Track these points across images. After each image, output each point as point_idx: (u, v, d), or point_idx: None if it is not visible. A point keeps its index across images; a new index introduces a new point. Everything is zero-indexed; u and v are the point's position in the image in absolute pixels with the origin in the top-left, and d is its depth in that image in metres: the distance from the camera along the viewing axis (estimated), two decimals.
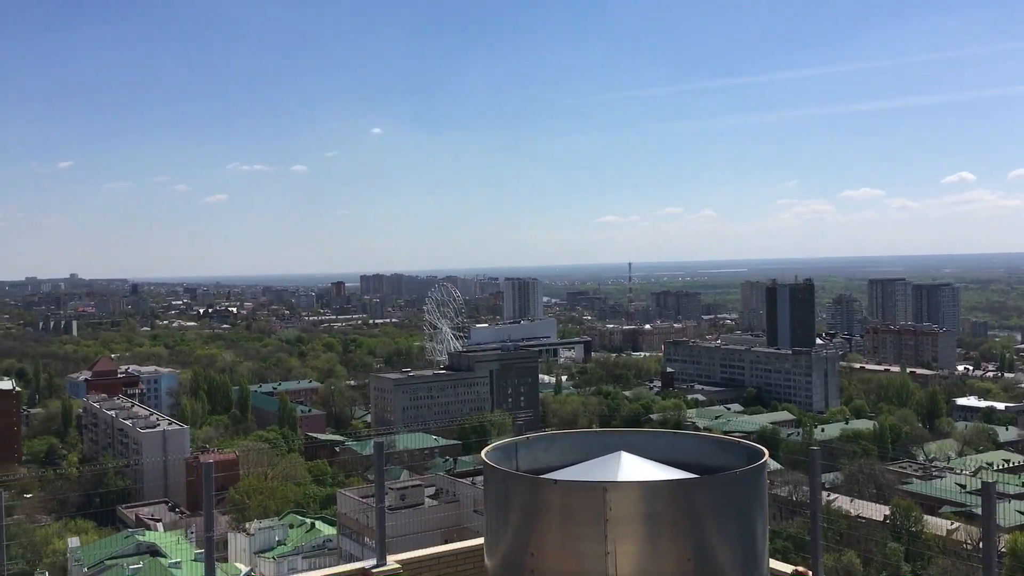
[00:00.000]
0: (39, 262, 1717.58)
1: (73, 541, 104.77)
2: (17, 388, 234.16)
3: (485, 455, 11.21)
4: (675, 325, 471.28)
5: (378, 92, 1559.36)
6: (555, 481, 10.19)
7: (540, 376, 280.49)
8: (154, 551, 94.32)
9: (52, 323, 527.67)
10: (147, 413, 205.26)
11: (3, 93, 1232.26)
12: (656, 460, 11.46)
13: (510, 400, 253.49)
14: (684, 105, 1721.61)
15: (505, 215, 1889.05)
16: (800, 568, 13.35)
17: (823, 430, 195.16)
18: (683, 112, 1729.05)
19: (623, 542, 9.75)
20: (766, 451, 11.27)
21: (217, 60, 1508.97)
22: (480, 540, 15.71)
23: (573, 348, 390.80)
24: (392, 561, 14.62)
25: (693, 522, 9.98)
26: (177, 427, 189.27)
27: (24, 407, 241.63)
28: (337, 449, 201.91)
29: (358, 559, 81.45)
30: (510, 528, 10.47)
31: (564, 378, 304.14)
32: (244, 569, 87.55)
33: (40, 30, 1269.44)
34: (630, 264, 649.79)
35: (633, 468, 10.87)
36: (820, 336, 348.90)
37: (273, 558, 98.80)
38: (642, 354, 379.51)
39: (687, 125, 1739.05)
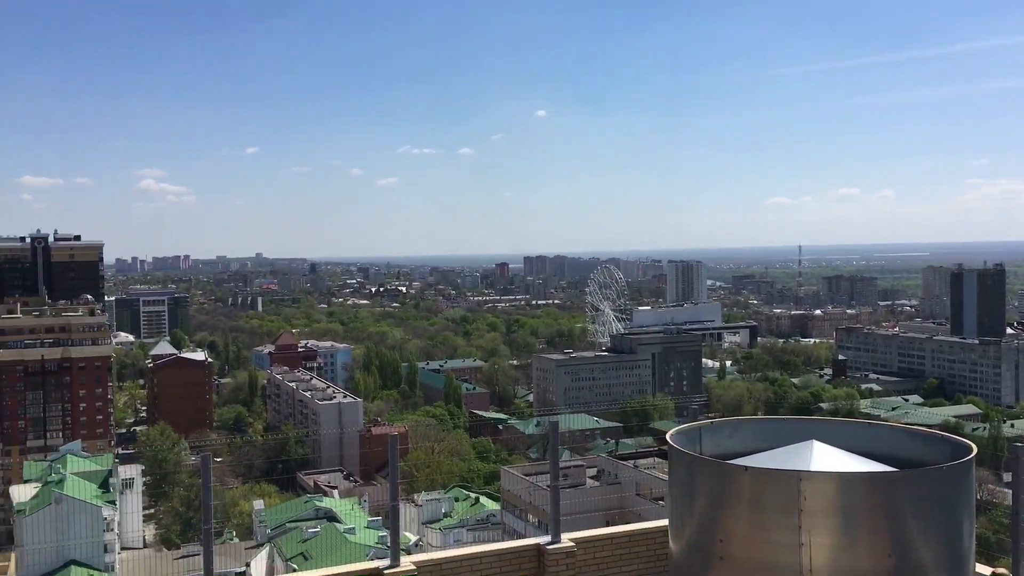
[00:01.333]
0: (229, 242, 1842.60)
1: (258, 503, 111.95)
2: (209, 359, 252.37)
3: (670, 438, 11.04)
4: (848, 311, 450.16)
5: (542, 75, 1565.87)
6: (745, 468, 9.91)
7: (703, 360, 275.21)
8: (331, 516, 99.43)
9: (240, 299, 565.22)
10: (324, 386, 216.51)
11: (200, 86, 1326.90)
12: (849, 451, 10.95)
13: (672, 384, 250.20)
14: (861, 79, 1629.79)
15: (669, 196, 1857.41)
16: (1001, 570, 12.48)
17: (1012, 425, 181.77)
18: (860, 87, 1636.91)
19: (818, 533, 9.38)
20: (974, 446, 10.54)
21: (388, 51, 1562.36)
22: (652, 523, 15.59)
23: (738, 333, 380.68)
24: (566, 539, 14.70)
25: (895, 517, 9.47)
26: (351, 400, 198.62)
27: (215, 377, 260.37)
28: (500, 427, 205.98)
29: (522, 535, 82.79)
30: (696, 513, 10.28)
31: (728, 363, 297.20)
32: (412, 538, 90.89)
33: (230, 28, 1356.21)
34: (800, 247, 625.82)
35: (827, 458, 10.42)
36: (1011, 325, 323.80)
37: (439, 529, 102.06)
38: (811, 341, 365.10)
39: (864, 100, 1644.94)
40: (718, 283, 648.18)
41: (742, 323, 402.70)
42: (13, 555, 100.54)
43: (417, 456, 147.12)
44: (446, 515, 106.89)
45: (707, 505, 10.13)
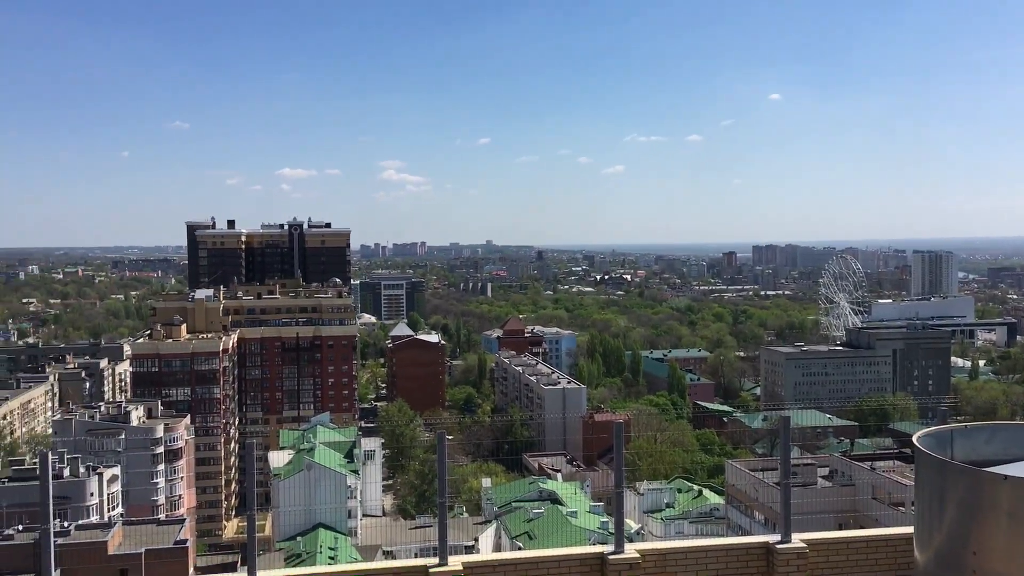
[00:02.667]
0: (462, 230, 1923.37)
1: (486, 481, 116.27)
2: (442, 341, 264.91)
3: (917, 441, 10.35)
4: None
5: (778, 56, 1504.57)
6: (1005, 477, 9.10)
7: (952, 359, 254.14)
8: (554, 499, 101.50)
9: (471, 284, 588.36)
10: (549, 371, 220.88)
11: (439, 82, 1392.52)
12: None
13: (916, 383, 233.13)
14: None
15: (913, 182, 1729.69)
16: None
17: None
18: None
19: None
20: None
21: (616, 40, 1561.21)
22: (893, 530, 14.67)
23: (994, 330, 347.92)
24: (797, 539, 14.19)
25: None
26: (575, 386, 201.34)
27: (447, 358, 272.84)
28: (725, 420, 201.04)
29: (747, 532, 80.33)
30: (947, 523, 9.58)
31: (982, 363, 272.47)
32: (634, 526, 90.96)
33: (469, 24, 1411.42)
34: None
35: None
36: None
37: (661, 519, 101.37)
38: None
39: None
40: (971, 276, 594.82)
41: (998, 319, 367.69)
42: (270, 515, 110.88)
43: (640, 445, 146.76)
44: (668, 506, 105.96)
45: (959, 515, 9.40)
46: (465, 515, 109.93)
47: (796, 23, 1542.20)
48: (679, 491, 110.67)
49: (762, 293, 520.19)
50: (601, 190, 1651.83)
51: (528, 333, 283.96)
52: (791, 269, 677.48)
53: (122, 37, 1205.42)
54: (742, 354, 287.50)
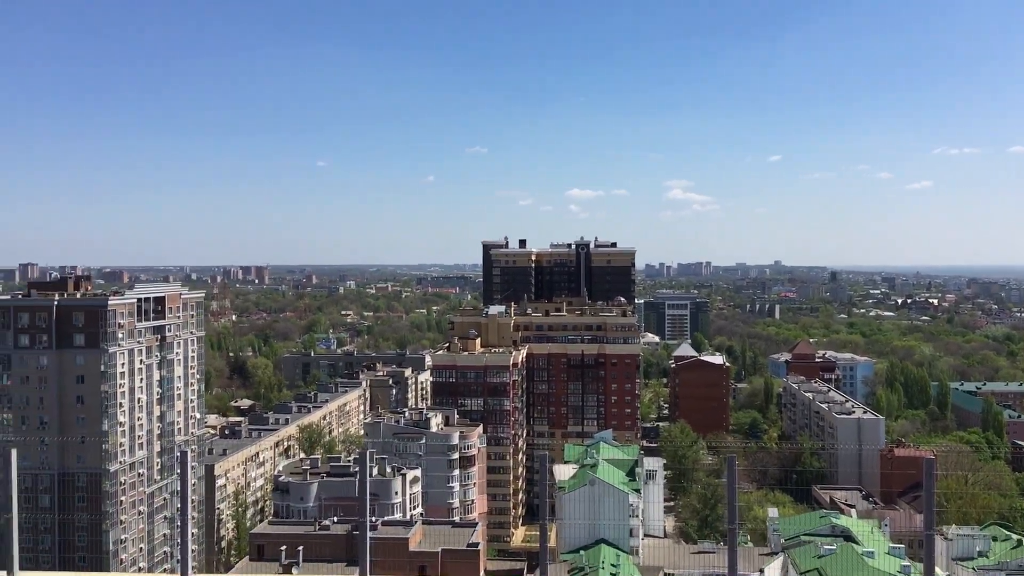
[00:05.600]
0: (748, 249, 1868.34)
1: (772, 511, 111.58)
2: (727, 363, 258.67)
3: None
4: None
5: None
6: None
7: None
8: (848, 536, 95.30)
9: (757, 306, 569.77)
10: (842, 399, 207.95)
11: (729, 98, 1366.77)
12: None
13: None
14: None
15: None
16: None
17: None
18: None
19: None
20: None
21: (921, 44, 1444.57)
22: None
23: None
24: None
25: None
26: (872, 416, 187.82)
27: (732, 381, 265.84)
28: None
29: None
30: None
31: None
32: (942, 574, 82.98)
33: (758, 36, 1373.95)
34: None
35: None
36: None
37: (972, 568, 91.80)
38: None
39: None
40: None
41: None
42: (554, 527, 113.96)
43: (948, 485, 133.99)
44: (981, 554, 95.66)
45: None
46: (750, 544, 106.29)
47: None
48: (994, 539, 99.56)
49: None
50: (904, 207, 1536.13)
51: (819, 358, 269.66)
52: None
53: (432, 70, 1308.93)
54: None
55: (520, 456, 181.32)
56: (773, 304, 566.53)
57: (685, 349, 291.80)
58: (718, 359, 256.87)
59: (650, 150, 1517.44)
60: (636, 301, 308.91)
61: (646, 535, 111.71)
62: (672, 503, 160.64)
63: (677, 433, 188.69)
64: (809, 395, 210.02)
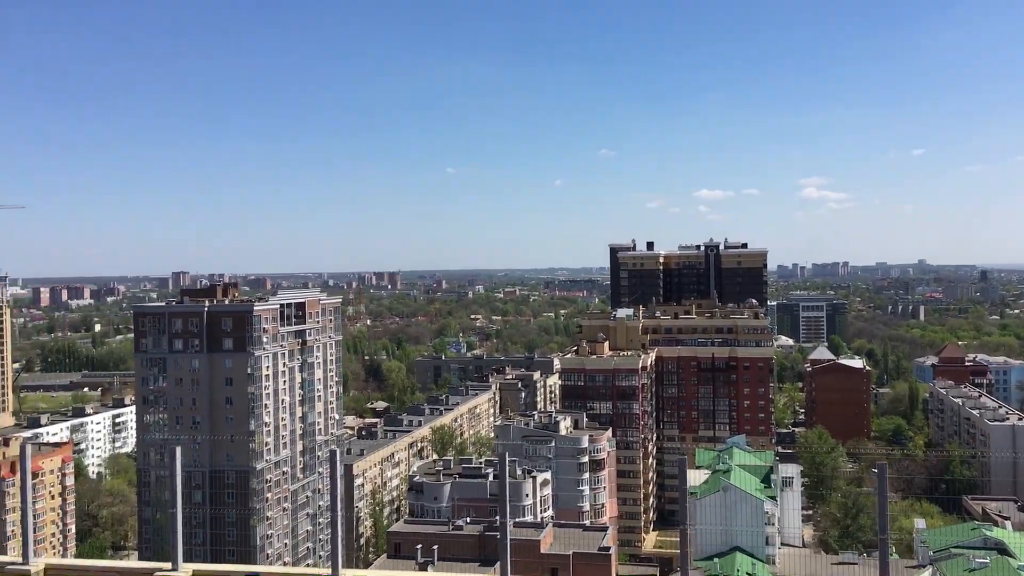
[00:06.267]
0: (889, 248, 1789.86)
1: (919, 522, 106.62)
2: (867, 367, 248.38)
3: None
4: None
5: None
6: None
7: None
8: (1002, 549, 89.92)
9: (899, 307, 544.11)
10: (995, 405, 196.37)
11: (869, 90, 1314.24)
12: None
13: None
14: None
15: None
16: None
17: None
18: None
19: None
20: None
21: None
22: None
23: None
24: None
25: None
26: None
27: (873, 385, 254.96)
28: None
29: None
30: None
31: None
32: None
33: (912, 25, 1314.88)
34: None
35: None
36: None
37: None
38: None
39: None
40: None
41: None
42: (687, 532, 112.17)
43: None
44: None
45: None
46: (895, 556, 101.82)
47: None
48: None
49: None
50: None
51: (969, 362, 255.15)
52: None
53: (560, 73, 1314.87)
54: None
55: (650, 460, 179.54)
56: (917, 305, 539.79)
57: (821, 352, 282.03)
58: (857, 363, 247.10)
59: (783, 147, 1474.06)
60: (768, 303, 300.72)
61: (783, 544, 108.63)
62: (810, 511, 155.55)
63: (814, 439, 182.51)
64: (959, 401, 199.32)
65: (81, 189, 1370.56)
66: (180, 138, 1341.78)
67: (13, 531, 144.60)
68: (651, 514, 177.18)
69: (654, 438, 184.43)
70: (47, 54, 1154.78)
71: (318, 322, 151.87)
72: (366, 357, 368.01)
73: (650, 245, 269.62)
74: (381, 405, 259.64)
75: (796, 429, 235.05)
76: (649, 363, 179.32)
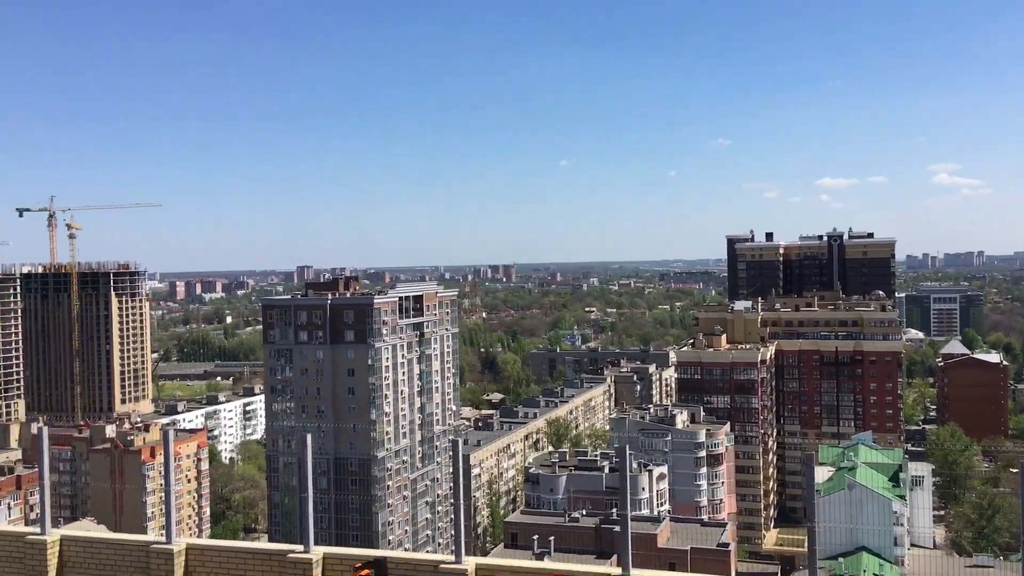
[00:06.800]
0: None
1: None
2: (1004, 362, 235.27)
3: None
4: None
5: None
6: None
7: None
8: None
9: None
10: None
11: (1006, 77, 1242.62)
12: None
13: None
14: None
15: None
16: None
17: None
18: None
19: None
20: None
21: None
22: None
23: None
24: None
25: None
26: None
27: (1011, 381, 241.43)
28: None
29: None
30: None
31: None
32: None
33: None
34: None
35: None
36: None
37: None
38: None
39: None
40: None
41: None
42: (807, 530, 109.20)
43: None
44: None
45: None
46: None
47: None
48: None
49: None
50: None
51: None
52: None
53: (672, 62, 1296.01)
54: None
55: (770, 456, 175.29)
56: None
57: (954, 346, 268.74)
58: (994, 357, 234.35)
59: (912, 133, 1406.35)
60: (896, 295, 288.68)
61: (912, 545, 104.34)
62: (942, 512, 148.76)
63: (947, 437, 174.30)
64: None
65: (213, 188, 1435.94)
66: (304, 139, 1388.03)
67: (153, 512, 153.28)
68: (771, 511, 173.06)
69: (774, 434, 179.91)
70: (180, 59, 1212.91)
71: (435, 314, 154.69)
72: (482, 349, 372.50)
73: (769, 236, 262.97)
74: (497, 397, 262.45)
75: (927, 426, 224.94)
76: (768, 356, 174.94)
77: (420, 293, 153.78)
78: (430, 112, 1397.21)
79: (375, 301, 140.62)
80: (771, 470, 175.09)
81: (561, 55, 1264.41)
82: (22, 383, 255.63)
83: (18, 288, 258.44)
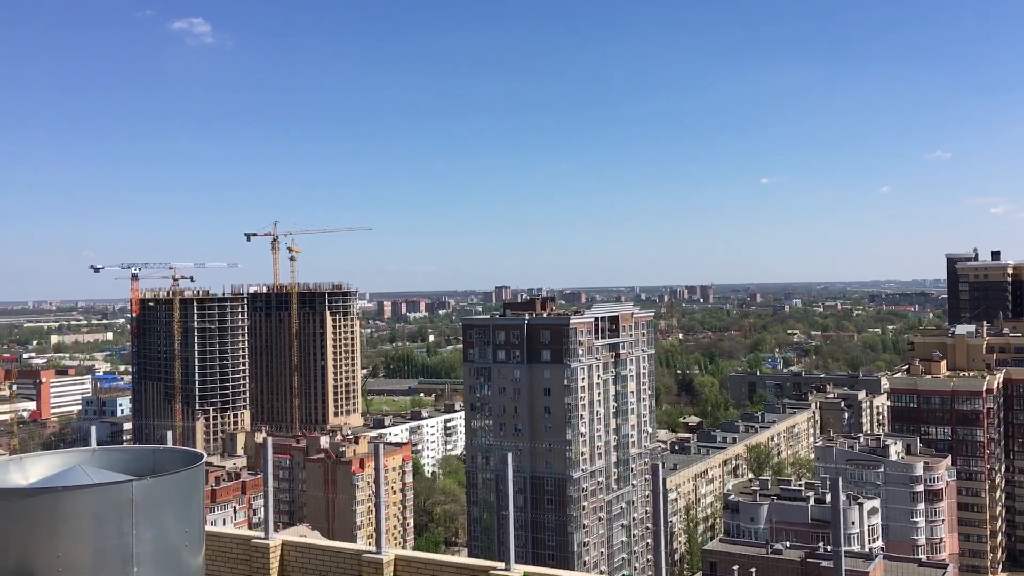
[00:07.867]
0: None
1: None
2: None
3: None
4: None
5: None
6: None
7: None
8: None
9: None
10: None
11: None
12: None
13: None
14: None
15: None
16: None
17: None
18: None
19: None
20: None
21: None
22: None
23: None
24: None
25: None
26: None
27: None
28: None
29: None
30: None
31: None
32: None
33: None
34: None
35: None
36: None
37: None
38: None
39: None
40: None
41: None
42: None
43: None
44: None
45: None
46: None
47: None
48: None
49: None
50: None
51: None
52: None
53: (881, 70, 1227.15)
54: None
55: (998, 494, 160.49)
56: None
57: None
58: None
59: None
60: None
61: None
62: None
63: None
64: None
65: (416, 211, 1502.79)
66: (502, 164, 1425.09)
67: (361, 521, 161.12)
68: (999, 553, 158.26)
69: (1002, 469, 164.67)
70: (408, 99, 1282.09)
71: (631, 335, 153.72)
72: (678, 371, 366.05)
73: (995, 255, 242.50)
74: (694, 420, 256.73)
75: None
76: (996, 385, 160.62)
77: (616, 314, 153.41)
78: (627, 129, 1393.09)
79: (571, 321, 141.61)
80: (998, 509, 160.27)
81: (762, 68, 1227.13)
82: (247, 395, 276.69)
83: (245, 307, 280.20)
